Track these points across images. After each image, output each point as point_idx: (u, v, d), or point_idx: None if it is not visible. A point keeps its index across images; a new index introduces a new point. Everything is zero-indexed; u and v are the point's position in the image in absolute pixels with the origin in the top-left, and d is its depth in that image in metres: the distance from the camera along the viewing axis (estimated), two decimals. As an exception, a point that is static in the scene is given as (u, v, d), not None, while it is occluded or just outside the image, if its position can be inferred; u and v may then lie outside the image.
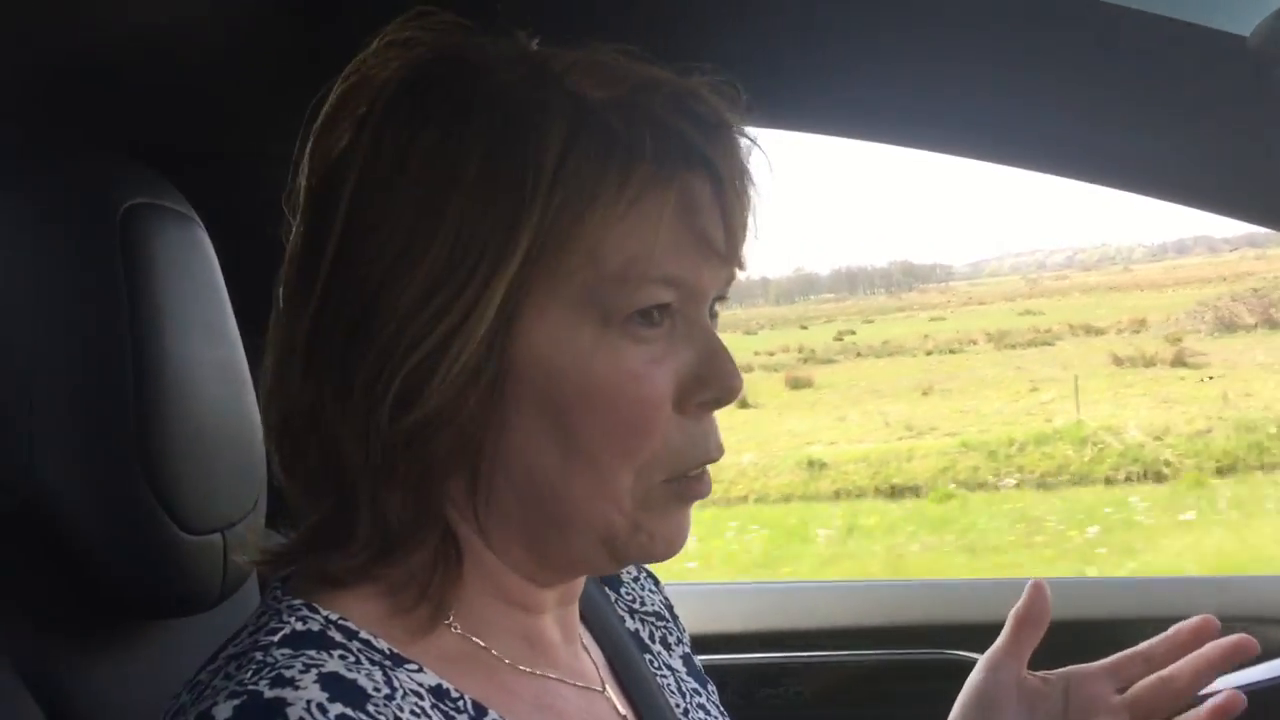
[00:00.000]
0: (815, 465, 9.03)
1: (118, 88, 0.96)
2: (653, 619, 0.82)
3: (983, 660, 0.82)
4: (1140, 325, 14.86)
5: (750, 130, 0.63)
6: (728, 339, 0.62)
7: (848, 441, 10.15)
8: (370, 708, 0.51)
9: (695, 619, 0.91)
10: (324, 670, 0.52)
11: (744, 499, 8.50)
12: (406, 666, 0.56)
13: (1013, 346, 15.09)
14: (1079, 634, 1.05)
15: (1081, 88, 1.03)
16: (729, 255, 0.60)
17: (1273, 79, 0.88)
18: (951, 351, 15.33)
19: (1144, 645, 0.79)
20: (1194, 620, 0.78)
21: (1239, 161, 1.07)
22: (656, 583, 0.86)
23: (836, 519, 7.57)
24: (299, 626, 0.55)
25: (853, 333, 17.92)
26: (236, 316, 0.87)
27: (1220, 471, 8.15)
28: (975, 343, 15.76)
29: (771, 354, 15.85)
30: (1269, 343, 12.76)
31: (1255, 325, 13.62)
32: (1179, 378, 11.49)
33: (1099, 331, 15.14)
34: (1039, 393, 11.47)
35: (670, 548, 0.62)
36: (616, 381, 0.57)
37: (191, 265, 0.83)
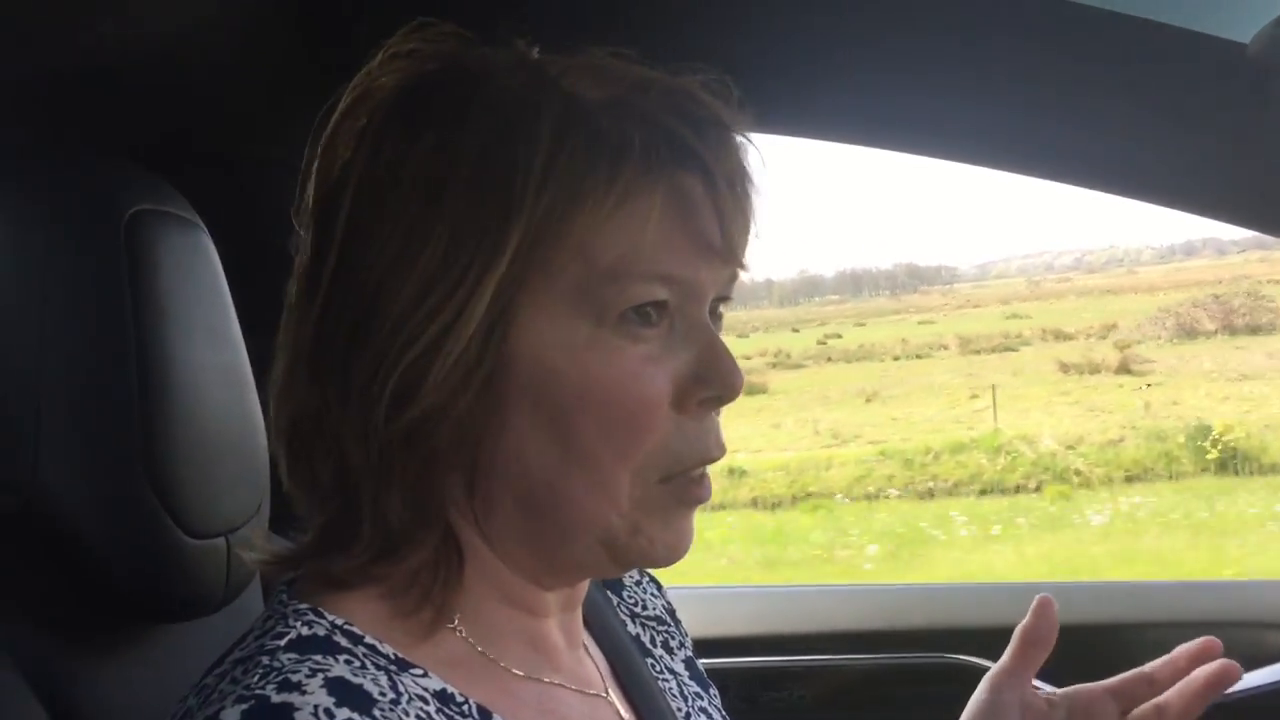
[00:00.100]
0: (736, 473, 8.96)
1: (122, 92, 0.96)
2: (655, 623, 0.82)
3: (986, 679, 0.82)
4: (1109, 331, 14.75)
5: (752, 135, 0.63)
6: (715, 342, 0.61)
7: (774, 449, 10.14)
8: (376, 712, 0.51)
9: (697, 622, 0.91)
10: (330, 675, 0.52)
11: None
12: (411, 671, 0.56)
13: (977, 352, 14.90)
14: (1079, 639, 1.06)
15: (1082, 94, 1.03)
16: (726, 254, 0.60)
17: (1272, 86, 0.88)
18: (919, 357, 15.15)
19: (1148, 666, 0.79)
20: (1195, 644, 0.78)
21: (1239, 168, 1.07)
22: (659, 586, 0.86)
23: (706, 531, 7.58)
24: (305, 631, 0.55)
25: (839, 336, 17.71)
26: (240, 321, 0.87)
27: (1129, 480, 8.23)
28: (946, 348, 15.54)
29: (748, 358, 15.59)
30: (1219, 350, 12.67)
31: (1216, 331, 13.59)
32: (1118, 385, 11.47)
33: (1068, 337, 14.96)
34: (976, 400, 11.42)
35: (672, 553, 0.62)
36: (613, 380, 0.57)
37: (195, 270, 0.83)
